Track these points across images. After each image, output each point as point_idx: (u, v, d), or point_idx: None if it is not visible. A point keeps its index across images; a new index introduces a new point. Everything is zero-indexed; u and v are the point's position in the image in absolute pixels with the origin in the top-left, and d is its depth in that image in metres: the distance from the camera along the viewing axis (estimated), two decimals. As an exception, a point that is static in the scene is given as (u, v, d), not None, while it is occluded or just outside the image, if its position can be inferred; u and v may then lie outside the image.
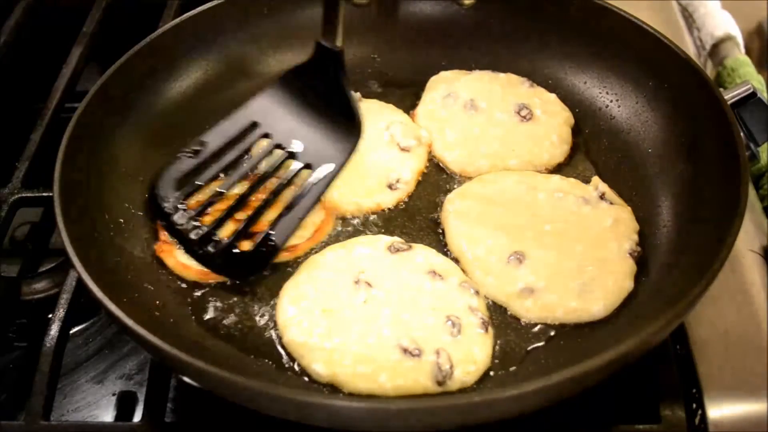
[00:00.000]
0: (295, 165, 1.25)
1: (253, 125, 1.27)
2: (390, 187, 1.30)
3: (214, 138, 1.26)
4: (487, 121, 1.39)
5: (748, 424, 1.06)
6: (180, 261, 1.18)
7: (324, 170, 1.23)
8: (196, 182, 1.22)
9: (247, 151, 1.27)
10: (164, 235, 1.21)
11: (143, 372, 1.25)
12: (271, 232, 1.18)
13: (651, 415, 1.07)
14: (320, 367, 1.06)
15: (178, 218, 1.19)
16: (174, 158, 1.24)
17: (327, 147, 1.26)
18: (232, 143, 1.26)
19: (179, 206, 1.20)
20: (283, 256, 1.20)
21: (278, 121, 1.28)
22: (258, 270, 1.19)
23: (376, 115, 1.40)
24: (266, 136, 1.27)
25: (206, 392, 0.99)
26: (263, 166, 1.26)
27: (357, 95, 1.42)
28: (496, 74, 1.46)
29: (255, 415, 0.97)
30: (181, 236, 1.19)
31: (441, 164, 1.36)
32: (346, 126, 1.26)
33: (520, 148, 1.35)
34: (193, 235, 1.18)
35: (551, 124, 1.38)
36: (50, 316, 1.18)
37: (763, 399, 1.07)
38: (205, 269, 1.17)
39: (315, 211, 1.25)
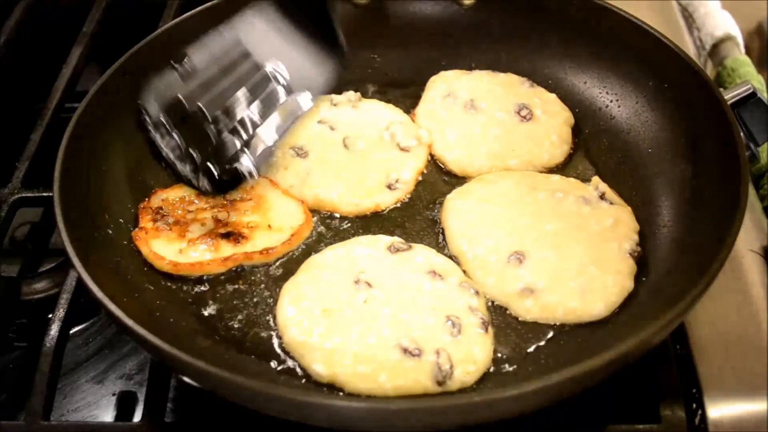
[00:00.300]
0: (273, 86, 1.25)
1: (237, 43, 1.25)
2: (389, 187, 1.30)
3: (199, 53, 1.23)
4: (488, 121, 1.39)
5: (748, 424, 1.06)
6: (153, 251, 1.19)
7: (303, 98, 1.26)
8: (179, 99, 1.19)
9: (230, 69, 1.24)
10: (144, 221, 1.22)
11: (143, 372, 1.25)
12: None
13: (651, 415, 1.07)
14: (320, 367, 1.06)
15: (160, 136, 1.20)
16: (159, 72, 1.21)
17: (309, 71, 1.27)
18: (216, 61, 1.24)
19: (162, 122, 1.20)
20: (258, 258, 1.20)
21: (262, 41, 1.26)
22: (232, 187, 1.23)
23: (376, 115, 1.40)
24: (248, 54, 1.25)
25: (206, 392, 0.99)
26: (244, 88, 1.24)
27: (356, 95, 1.42)
28: (496, 74, 1.46)
29: (255, 415, 0.97)
30: (162, 154, 1.20)
31: (441, 164, 1.36)
32: (329, 50, 1.28)
33: (520, 148, 1.35)
34: (174, 155, 1.20)
35: (551, 124, 1.38)
36: (50, 316, 1.18)
37: (763, 399, 1.07)
38: (177, 261, 1.17)
39: (294, 215, 1.25)
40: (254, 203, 1.26)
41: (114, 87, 1.30)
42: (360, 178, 1.31)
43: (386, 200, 1.30)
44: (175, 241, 1.20)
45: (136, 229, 1.21)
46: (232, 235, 1.21)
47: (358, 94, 1.43)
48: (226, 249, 1.20)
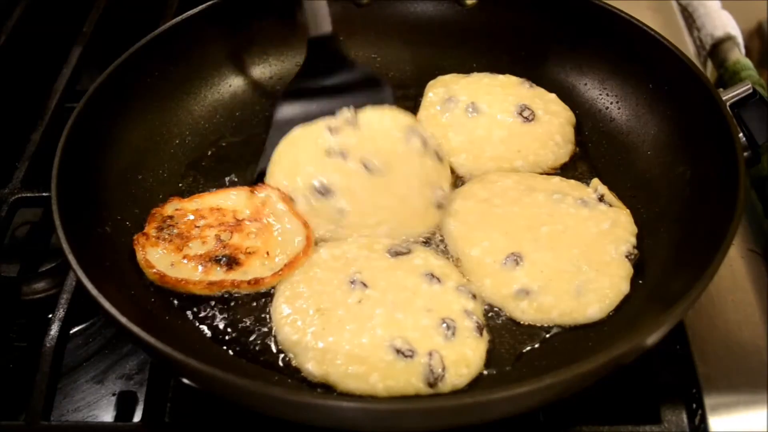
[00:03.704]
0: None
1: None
2: (439, 206, 1.26)
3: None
4: (490, 124, 1.38)
5: (748, 424, 1.06)
6: (146, 257, 1.18)
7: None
8: None
9: None
10: (150, 227, 1.21)
11: (143, 372, 1.25)
12: None
13: (651, 415, 1.07)
14: (313, 366, 1.06)
15: None
16: None
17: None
18: None
19: None
20: (245, 288, 1.16)
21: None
22: None
23: (383, 124, 1.32)
24: None
25: (206, 392, 0.99)
26: None
27: (351, 111, 1.31)
28: (494, 76, 1.45)
29: (254, 416, 0.97)
30: None
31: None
32: (371, 84, 1.37)
33: (525, 149, 1.35)
34: None
35: (554, 124, 1.37)
36: (50, 316, 1.18)
37: (763, 399, 1.07)
38: (165, 273, 1.16)
39: (296, 242, 1.21)
40: (260, 225, 1.23)
41: (113, 86, 1.30)
42: (403, 202, 1.23)
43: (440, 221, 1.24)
44: (171, 254, 1.19)
45: (140, 232, 1.21)
46: (226, 260, 1.18)
47: (353, 109, 1.33)
48: (216, 273, 1.18)
